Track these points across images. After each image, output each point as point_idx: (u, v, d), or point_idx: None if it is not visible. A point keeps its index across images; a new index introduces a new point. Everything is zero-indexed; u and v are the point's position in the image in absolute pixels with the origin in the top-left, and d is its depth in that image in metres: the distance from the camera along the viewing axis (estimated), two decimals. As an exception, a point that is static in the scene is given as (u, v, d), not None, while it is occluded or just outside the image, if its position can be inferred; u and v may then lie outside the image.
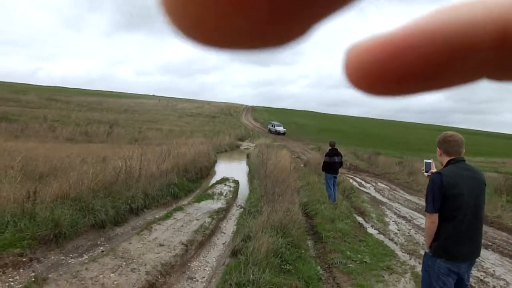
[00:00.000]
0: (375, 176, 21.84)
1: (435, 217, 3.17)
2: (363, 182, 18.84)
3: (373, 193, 15.80)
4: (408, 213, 11.72)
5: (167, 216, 9.05)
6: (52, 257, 6.02)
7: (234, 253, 6.68)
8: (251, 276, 5.26)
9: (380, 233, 9.29)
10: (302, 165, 21.91)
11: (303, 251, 6.99)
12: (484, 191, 3.20)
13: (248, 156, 25.43)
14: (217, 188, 13.55)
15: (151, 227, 8.04)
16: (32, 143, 19.97)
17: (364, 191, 15.84)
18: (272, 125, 60.51)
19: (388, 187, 17.74)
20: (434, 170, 3.64)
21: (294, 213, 8.19)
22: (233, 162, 24.98)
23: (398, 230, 9.69)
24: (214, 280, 5.90)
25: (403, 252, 7.75)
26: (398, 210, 12.19)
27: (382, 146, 46.21)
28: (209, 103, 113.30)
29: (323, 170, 11.75)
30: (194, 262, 6.79)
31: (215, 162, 21.42)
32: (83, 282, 5.06)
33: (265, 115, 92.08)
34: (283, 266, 5.96)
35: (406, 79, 0.20)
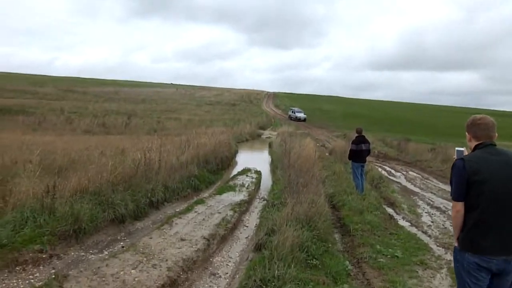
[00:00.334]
0: (406, 164, 21.46)
1: (460, 205, 3.07)
2: (392, 171, 18.56)
3: (404, 182, 15.54)
4: (442, 204, 11.47)
5: (188, 210, 9.09)
6: (72, 253, 6.13)
7: (258, 248, 6.65)
8: (276, 271, 5.21)
9: (412, 225, 9.12)
10: (327, 154, 21.74)
11: (330, 245, 6.89)
12: None
13: (270, 146, 25.39)
14: (238, 179, 13.58)
15: (172, 221, 8.09)
16: (49, 136, 20.45)
17: (394, 181, 15.58)
18: (292, 111, 60.67)
19: (420, 176, 17.39)
20: None
21: (319, 205, 8.11)
22: (255, 151, 24.95)
23: (432, 222, 9.48)
24: (237, 276, 5.89)
25: (437, 246, 7.56)
26: (431, 201, 11.95)
27: (412, 132, 45.29)
28: (228, 90, 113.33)
29: (349, 158, 11.63)
30: (217, 258, 6.80)
31: (236, 152, 21.43)
32: (104, 279, 5.12)
33: (287, 101, 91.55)
34: (309, 261, 5.87)
35: None
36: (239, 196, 10.98)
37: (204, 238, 7.26)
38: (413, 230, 8.70)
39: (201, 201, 10.07)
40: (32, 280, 5.07)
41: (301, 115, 58.46)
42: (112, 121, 33.88)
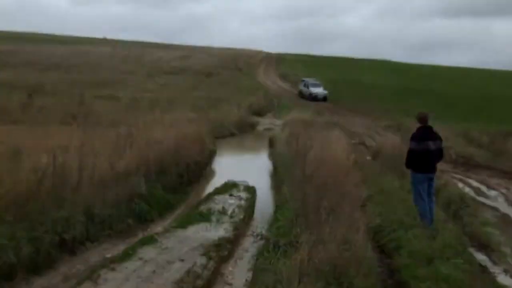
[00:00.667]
0: (506, 175, 21.43)
1: None
2: (483, 188, 18.53)
3: (504, 207, 15.59)
4: None
5: (127, 255, 9.04)
6: None
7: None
8: None
9: (521, 284, 9.01)
10: (369, 158, 21.82)
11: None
12: None
13: (271, 144, 25.59)
14: (216, 201, 13.67)
15: (99, 275, 8.01)
16: None
17: (486, 205, 15.61)
18: (304, 85, 62.13)
19: (530, 197, 17.36)
20: None
21: (357, 247, 8.26)
22: (246, 154, 24.86)
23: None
24: None
25: None
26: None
27: (512, 121, 45.41)
28: (202, 50, 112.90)
29: (408, 166, 11.66)
30: None
31: (213, 154, 21.52)
32: None
33: (300, 69, 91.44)
34: None
35: None
36: (217, 231, 11.02)
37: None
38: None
39: (151, 240, 10.04)
40: None
41: (319, 90, 59.75)
42: (3, 101, 33.60)
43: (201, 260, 9.18)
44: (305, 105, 48.47)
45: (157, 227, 11.48)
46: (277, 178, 17.20)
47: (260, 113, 42.96)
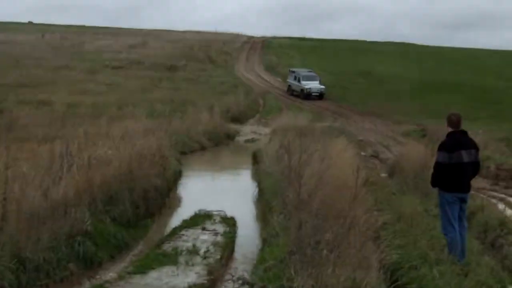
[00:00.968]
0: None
1: None
2: (530, 210, 18.56)
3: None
4: None
5: None
6: None
7: None
8: None
9: None
10: (383, 175, 22.08)
11: None
12: None
13: (256, 159, 25.74)
14: (185, 237, 13.73)
15: None
16: None
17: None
18: (295, 77, 62.53)
19: None
20: None
21: None
22: (222, 173, 24.74)
23: None
24: None
25: None
26: None
27: None
28: (160, 35, 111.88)
29: (435, 184, 11.80)
30: None
31: (178, 176, 21.69)
32: None
33: (293, 57, 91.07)
34: None
35: None
36: (186, 277, 11.07)
37: None
38: None
39: (99, 291, 10.02)
40: None
41: (315, 85, 60.37)
42: None
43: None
44: (299, 106, 48.49)
45: (108, 273, 11.46)
46: (263, 204, 17.21)
47: (240, 119, 42.83)
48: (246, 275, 11.54)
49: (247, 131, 37.82)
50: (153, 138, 21.64)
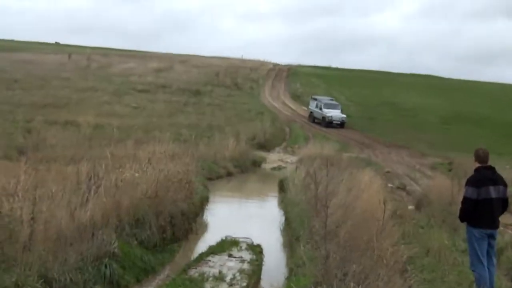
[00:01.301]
0: None
1: None
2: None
3: None
4: None
5: None
6: None
7: None
8: None
9: None
10: (411, 207, 21.92)
11: None
12: None
13: (282, 187, 25.76)
14: (211, 264, 13.71)
15: None
16: None
17: None
18: (316, 105, 62.66)
19: None
20: None
21: None
22: (248, 200, 24.84)
23: None
24: None
25: None
26: None
27: None
28: (187, 59, 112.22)
29: (463, 219, 11.67)
30: None
31: (205, 201, 21.75)
32: None
33: (318, 85, 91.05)
34: None
35: None
36: None
37: None
38: None
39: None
40: None
41: (336, 113, 60.24)
42: None
43: None
44: (325, 135, 48.39)
45: (135, 297, 11.31)
46: (290, 233, 17.20)
47: (266, 146, 42.91)
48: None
49: (273, 158, 37.86)
50: (179, 162, 21.64)
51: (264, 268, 14.27)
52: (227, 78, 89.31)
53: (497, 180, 11.43)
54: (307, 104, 72.34)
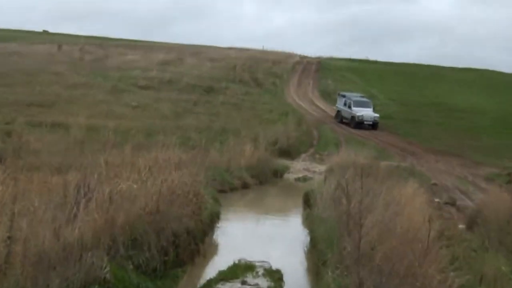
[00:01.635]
0: None
1: None
2: None
3: None
4: None
5: None
6: None
7: None
8: None
9: None
10: (461, 226, 21.90)
11: None
12: None
13: (308, 202, 25.59)
14: (222, 292, 13.59)
15: None
16: None
17: None
18: (345, 103, 63.14)
19: None
20: None
21: None
22: (267, 217, 24.77)
23: None
24: None
25: None
26: None
27: None
28: (198, 51, 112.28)
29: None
30: None
31: (215, 218, 21.70)
32: None
33: (353, 81, 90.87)
34: None
35: None
36: None
37: None
38: None
39: None
40: None
41: (368, 112, 60.73)
42: None
43: None
44: (361, 141, 48.26)
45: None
46: (316, 256, 17.10)
47: (290, 153, 42.78)
48: None
49: (298, 167, 37.78)
50: (186, 172, 21.61)
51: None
52: (246, 72, 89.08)
53: None
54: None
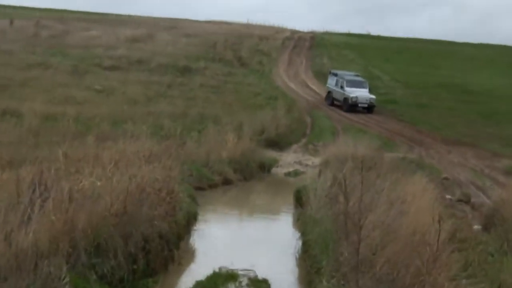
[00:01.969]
0: None
1: None
2: None
3: None
4: None
5: None
6: None
7: None
8: None
9: None
10: (477, 227, 22.00)
11: None
12: None
13: (299, 200, 25.61)
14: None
15: None
16: None
17: None
18: (336, 82, 63.55)
19: None
20: None
21: None
22: (252, 218, 25.13)
23: None
24: None
25: None
26: None
27: None
28: (173, 25, 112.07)
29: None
30: None
31: (192, 218, 21.69)
32: None
33: (352, 60, 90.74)
34: None
35: None
36: None
37: None
38: None
39: None
40: None
41: (362, 93, 61.12)
42: None
43: None
44: (361, 128, 48.34)
45: None
46: (309, 263, 17.12)
47: (279, 143, 42.68)
48: None
49: (288, 160, 37.68)
50: (159, 166, 21.60)
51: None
52: (227, 50, 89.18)
53: None
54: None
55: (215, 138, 35.12)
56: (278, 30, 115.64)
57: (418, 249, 13.71)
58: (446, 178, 31.91)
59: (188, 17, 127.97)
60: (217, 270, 16.27)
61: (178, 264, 17.46)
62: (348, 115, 57.67)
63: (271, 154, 38.08)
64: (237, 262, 16.73)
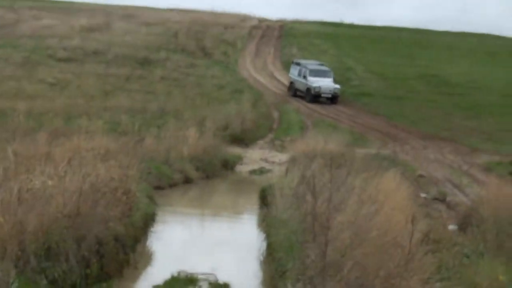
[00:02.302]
0: None
1: None
2: None
3: None
4: None
5: None
6: None
7: None
8: None
9: None
10: (452, 227, 22.16)
11: None
12: None
13: (264, 199, 25.60)
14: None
15: None
16: None
17: None
18: (299, 72, 63.83)
19: None
20: None
21: None
22: (213, 219, 25.10)
23: None
24: None
25: None
26: None
27: None
28: (132, 14, 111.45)
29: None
30: None
31: (150, 220, 21.67)
32: None
33: (324, 50, 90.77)
34: None
35: None
36: None
37: None
38: None
39: None
40: None
41: (326, 83, 61.21)
42: None
43: None
44: (332, 123, 48.37)
45: None
46: (273, 267, 17.16)
47: (244, 139, 42.73)
48: None
49: (254, 157, 37.68)
50: (115, 165, 21.57)
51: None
52: (190, 40, 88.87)
53: None
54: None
55: (176, 134, 35.04)
56: (245, 18, 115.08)
57: (390, 251, 13.78)
58: (421, 176, 32.07)
59: (147, 4, 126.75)
60: (175, 274, 16.27)
61: (134, 268, 17.44)
62: (318, 108, 57.60)
63: (235, 150, 38.10)
64: (197, 266, 16.75)
